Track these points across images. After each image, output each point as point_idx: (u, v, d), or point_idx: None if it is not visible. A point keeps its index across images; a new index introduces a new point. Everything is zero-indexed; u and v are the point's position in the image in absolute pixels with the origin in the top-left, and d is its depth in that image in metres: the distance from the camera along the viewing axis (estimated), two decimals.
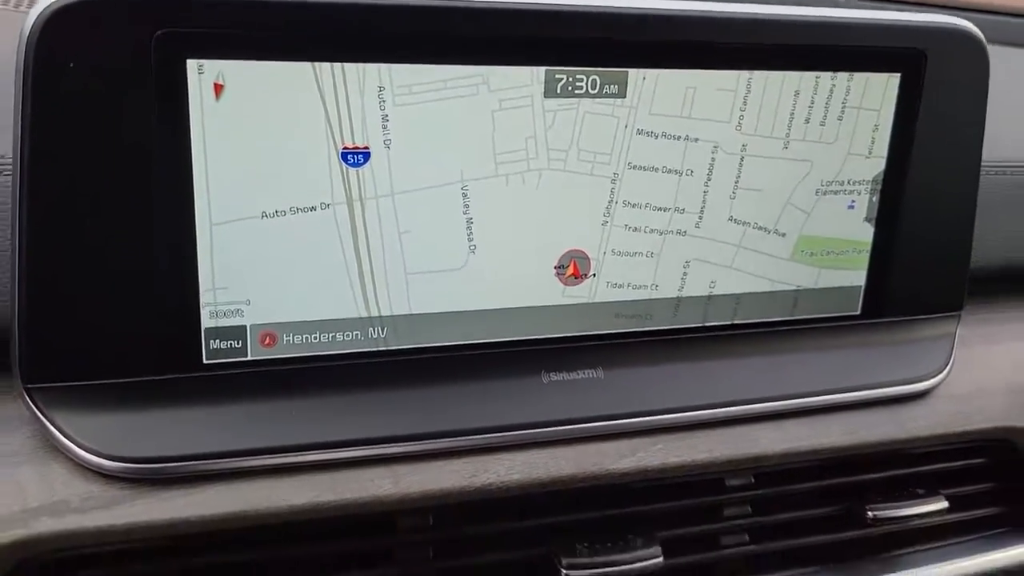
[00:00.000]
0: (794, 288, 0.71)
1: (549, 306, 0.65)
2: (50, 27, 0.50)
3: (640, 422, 0.66)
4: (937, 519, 0.77)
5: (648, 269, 0.67)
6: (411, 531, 0.62)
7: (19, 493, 0.54)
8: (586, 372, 0.67)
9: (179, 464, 0.56)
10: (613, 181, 0.64)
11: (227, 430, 0.58)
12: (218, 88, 0.54)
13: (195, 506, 0.56)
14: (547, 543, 0.65)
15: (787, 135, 0.67)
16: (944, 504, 0.75)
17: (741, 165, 0.67)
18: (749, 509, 0.72)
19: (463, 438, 0.62)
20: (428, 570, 0.63)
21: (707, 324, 0.70)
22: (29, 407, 0.55)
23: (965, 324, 0.79)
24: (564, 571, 0.63)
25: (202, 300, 0.57)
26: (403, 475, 0.60)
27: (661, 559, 0.65)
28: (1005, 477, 0.80)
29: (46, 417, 0.55)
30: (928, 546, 0.78)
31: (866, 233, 0.72)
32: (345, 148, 0.57)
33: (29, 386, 0.55)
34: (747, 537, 0.72)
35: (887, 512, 0.73)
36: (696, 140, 0.65)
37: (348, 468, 0.60)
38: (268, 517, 0.57)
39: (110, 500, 0.55)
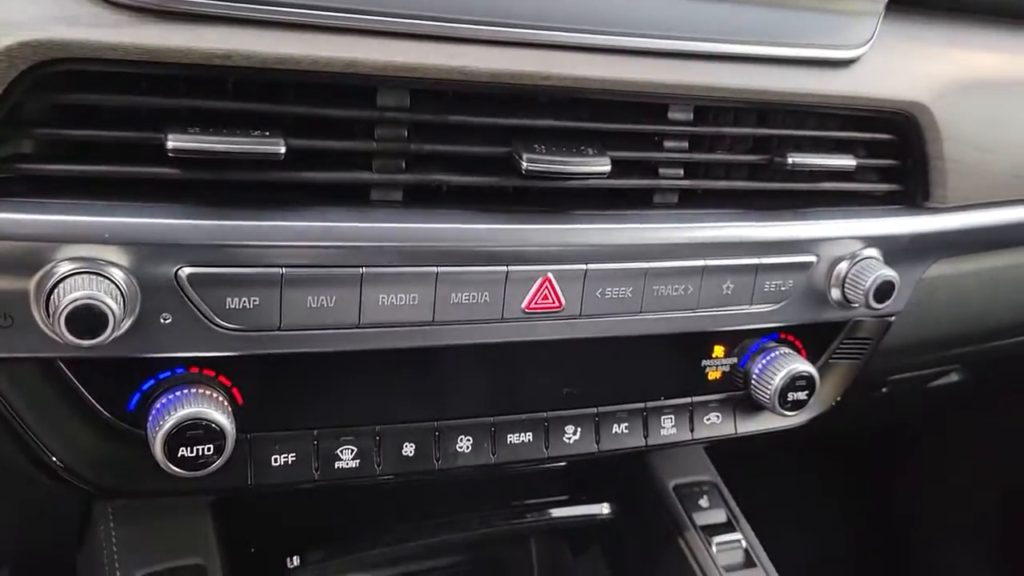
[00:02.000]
0: None
1: None
2: None
3: (601, 40, 0.73)
4: (845, 185, 0.88)
5: None
6: (390, 108, 0.68)
7: (34, 4, 0.58)
8: None
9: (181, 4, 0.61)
10: None
11: None
12: None
13: (194, 39, 0.61)
14: (510, 143, 0.72)
15: None
16: (852, 162, 0.85)
17: None
18: (686, 145, 0.80)
19: (446, 24, 0.67)
20: (402, 149, 0.69)
21: None
22: None
23: (893, 15, 0.87)
24: (524, 165, 0.71)
25: None
26: (390, 45, 0.66)
27: (608, 168, 0.73)
28: (905, 156, 0.91)
29: None
30: (833, 208, 0.89)
31: None
32: None
33: None
34: (682, 172, 0.81)
35: (805, 159, 0.83)
36: None
37: (342, 33, 0.65)
38: (262, 60, 0.62)
39: (119, 22, 0.59)
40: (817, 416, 0.96)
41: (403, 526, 0.98)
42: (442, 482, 1.05)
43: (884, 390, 1.27)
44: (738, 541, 1.01)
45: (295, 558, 0.90)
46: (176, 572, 0.82)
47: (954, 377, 1.37)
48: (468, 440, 0.80)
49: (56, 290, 0.60)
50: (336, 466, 0.75)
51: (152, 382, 0.68)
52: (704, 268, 0.81)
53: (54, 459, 0.67)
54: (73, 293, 0.59)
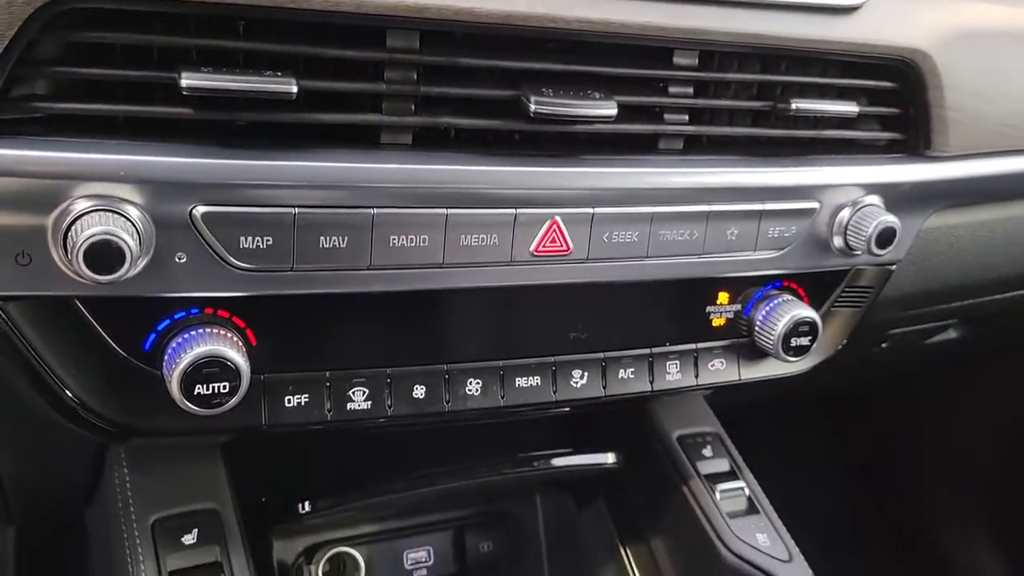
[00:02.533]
0: None
1: None
2: None
3: None
4: (848, 133, 0.89)
5: None
6: (400, 50, 0.69)
7: None
8: None
9: None
10: None
11: None
12: None
13: None
14: (519, 87, 0.73)
15: None
16: (855, 108, 0.86)
17: None
18: (691, 91, 0.81)
19: None
20: (412, 91, 0.70)
21: None
22: None
23: None
24: (532, 107, 0.72)
25: None
26: None
27: (614, 112, 0.74)
28: (907, 104, 0.92)
29: None
30: (835, 156, 0.90)
31: None
32: None
33: None
34: (687, 118, 0.82)
35: (808, 106, 0.83)
36: None
37: None
38: (274, 0, 0.63)
39: None
40: (819, 364, 0.97)
41: (411, 475, 0.99)
42: (449, 433, 1.07)
43: (884, 345, 1.28)
44: (741, 489, 1.03)
45: (306, 503, 0.91)
46: (190, 516, 0.83)
47: (952, 333, 1.39)
48: (477, 383, 0.81)
49: (73, 227, 0.61)
50: (348, 407, 0.76)
51: (167, 322, 0.69)
52: (709, 214, 0.82)
53: (69, 394, 0.68)
54: (91, 229, 0.60)
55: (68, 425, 0.74)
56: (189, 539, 0.81)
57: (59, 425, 0.76)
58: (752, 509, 1.02)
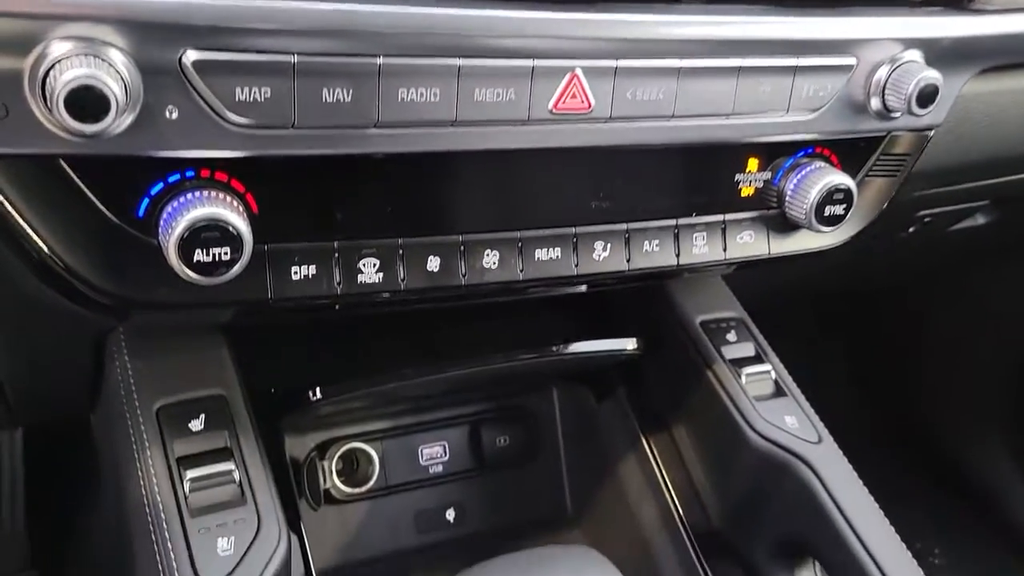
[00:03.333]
0: None
1: None
2: None
3: None
4: None
5: None
6: None
7: None
8: None
9: None
10: None
11: None
12: None
13: None
14: None
15: None
16: None
17: None
18: None
19: None
20: None
21: None
22: None
23: None
24: None
25: None
26: None
27: None
28: None
29: None
30: (873, 7, 0.83)
31: None
32: None
33: None
34: None
35: None
36: None
37: None
38: None
39: None
40: (851, 239, 0.93)
41: (424, 366, 0.95)
42: (464, 326, 1.03)
43: (911, 230, 1.23)
44: (768, 372, 0.99)
45: (317, 390, 0.88)
46: (197, 402, 0.79)
47: (979, 219, 1.34)
48: (495, 255, 0.76)
49: (52, 72, 0.55)
50: (359, 280, 0.72)
51: (161, 185, 0.64)
52: (740, 69, 0.76)
53: (62, 264, 0.64)
54: (71, 71, 0.54)
55: (65, 305, 0.70)
56: (196, 425, 0.78)
57: (56, 311, 0.72)
58: (779, 392, 0.98)
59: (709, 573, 0.95)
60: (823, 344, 2.02)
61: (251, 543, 0.72)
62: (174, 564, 0.70)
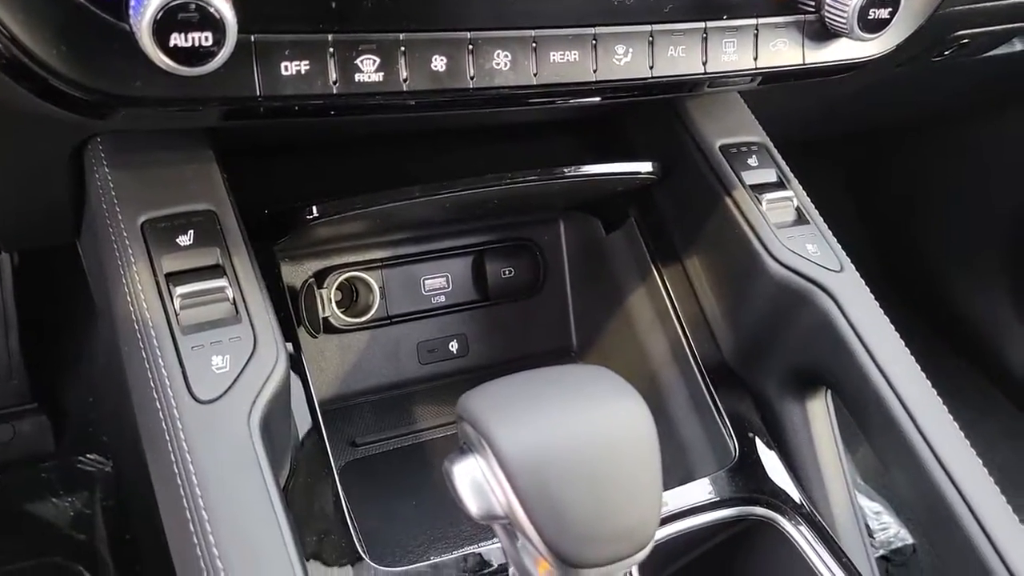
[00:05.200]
0: None
1: None
2: None
3: None
4: None
5: None
6: None
7: None
8: None
9: None
10: None
11: None
12: None
13: None
14: None
15: None
16: None
17: None
18: None
19: None
20: None
21: None
22: None
23: None
24: None
25: None
26: None
27: None
28: None
29: None
30: None
31: None
32: None
33: None
34: None
35: None
36: None
37: None
38: None
39: None
40: (893, 49, 0.85)
41: (428, 185, 0.89)
42: (470, 148, 0.97)
43: (947, 53, 1.15)
44: (790, 198, 0.93)
45: (314, 208, 0.82)
46: (184, 217, 0.74)
47: (1017, 46, 1.26)
48: (506, 56, 0.69)
49: None
50: (356, 79, 0.65)
51: None
52: None
53: (26, 52, 0.57)
54: None
55: (38, 106, 0.63)
56: (185, 240, 0.72)
57: (30, 116, 0.65)
58: (801, 219, 0.93)
59: (718, 403, 0.93)
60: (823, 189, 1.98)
61: (247, 361, 0.68)
62: (167, 382, 0.66)
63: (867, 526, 1.53)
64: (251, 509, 0.63)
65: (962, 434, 0.84)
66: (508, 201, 0.96)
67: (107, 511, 1.43)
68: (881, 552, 1.58)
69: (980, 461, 0.83)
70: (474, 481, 0.56)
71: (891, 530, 1.59)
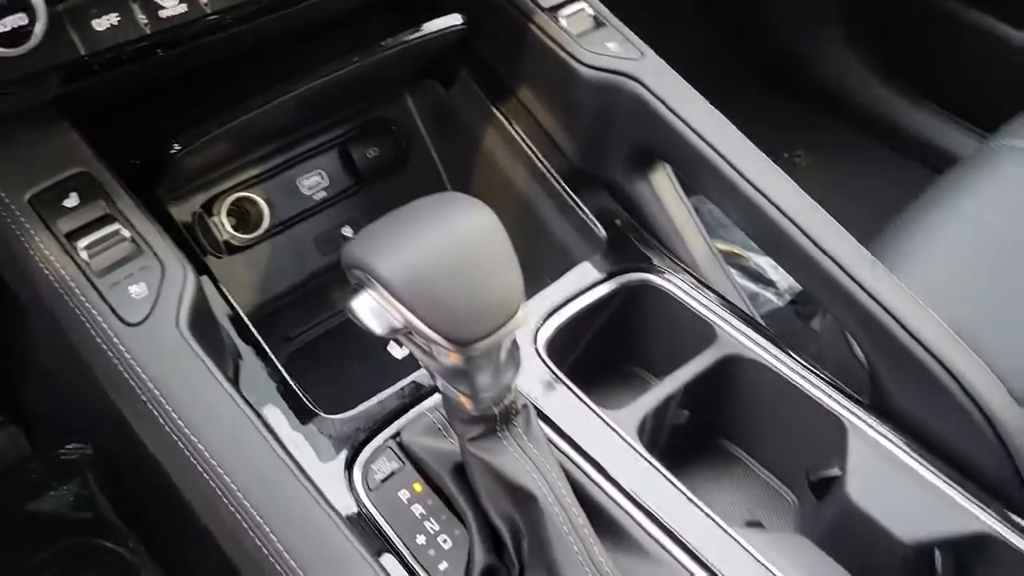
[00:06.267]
0: None
1: None
2: None
3: None
4: None
5: None
6: None
7: None
8: None
9: None
10: None
11: None
12: None
13: None
14: None
15: None
16: None
17: None
18: None
19: None
20: None
21: None
22: None
23: None
24: None
25: None
26: None
27: None
28: None
29: None
30: None
31: None
32: None
33: None
34: None
35: None
36: None
37: None
38: None
39: None
40: None
41: (273, 88, 0.98)
42: (297, 47, 1.05)
43: None
44: (582, 9, 1.05)
45: (174, 144, 0.91)
46: (63, 183, 0.83)
47: None
48: None
49: None
50: (161, 15, 0.74)
51: None
52: None
53: None
54: None
55: None
56: (71, 202, 0.82)
57: None
58: (599, 24, 1.05)
59: (578, 201, 1.07)
60: None
61: (160, 282, 0.79)
62: (100, 318, 0.77)
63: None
64: (203, 391, 0.75)
65: (777, 167, 0.99)
66: (345, 85, 1.06)
67: (104, 487, 1.52)
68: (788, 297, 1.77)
69: (798, 186, 0.98)
70: (372, 308, 0.68)
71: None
